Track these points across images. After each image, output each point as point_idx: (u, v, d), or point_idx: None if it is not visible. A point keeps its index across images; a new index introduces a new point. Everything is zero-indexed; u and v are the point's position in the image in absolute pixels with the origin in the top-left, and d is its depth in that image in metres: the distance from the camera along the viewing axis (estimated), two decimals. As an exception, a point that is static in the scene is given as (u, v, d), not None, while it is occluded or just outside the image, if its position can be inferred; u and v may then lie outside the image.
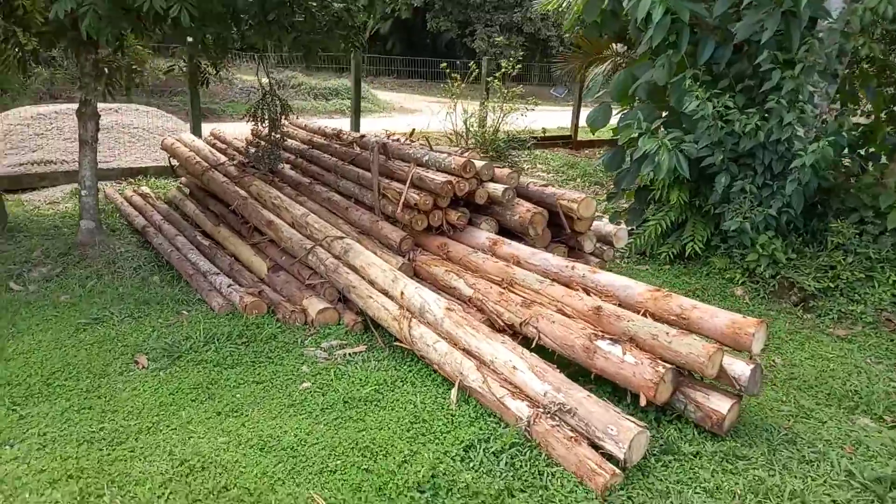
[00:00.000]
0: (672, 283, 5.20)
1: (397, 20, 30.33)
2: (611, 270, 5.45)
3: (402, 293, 3.90)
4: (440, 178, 4.42)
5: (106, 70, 6.46)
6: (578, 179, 9.52)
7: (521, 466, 2.74)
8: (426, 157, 4.82)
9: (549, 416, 2.93)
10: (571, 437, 2.81)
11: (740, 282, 4.99)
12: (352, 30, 5.97)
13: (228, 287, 4.49)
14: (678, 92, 4.96)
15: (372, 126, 10.50)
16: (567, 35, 10.09)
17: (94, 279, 4.86)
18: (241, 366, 3.53)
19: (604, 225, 5.54)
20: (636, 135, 5.19)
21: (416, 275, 4.43)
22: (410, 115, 17.22)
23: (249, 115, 6.08)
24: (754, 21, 4.60)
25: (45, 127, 8.41)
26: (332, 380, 3.40)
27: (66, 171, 8.01)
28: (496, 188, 4.61)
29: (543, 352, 3.38)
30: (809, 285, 4.67)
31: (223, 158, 6.41)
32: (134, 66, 6.74)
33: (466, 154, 5.70)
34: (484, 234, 4.50)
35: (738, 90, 5.07)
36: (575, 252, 5.04)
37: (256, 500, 2.44)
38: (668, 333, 3.15)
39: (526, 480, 2.67)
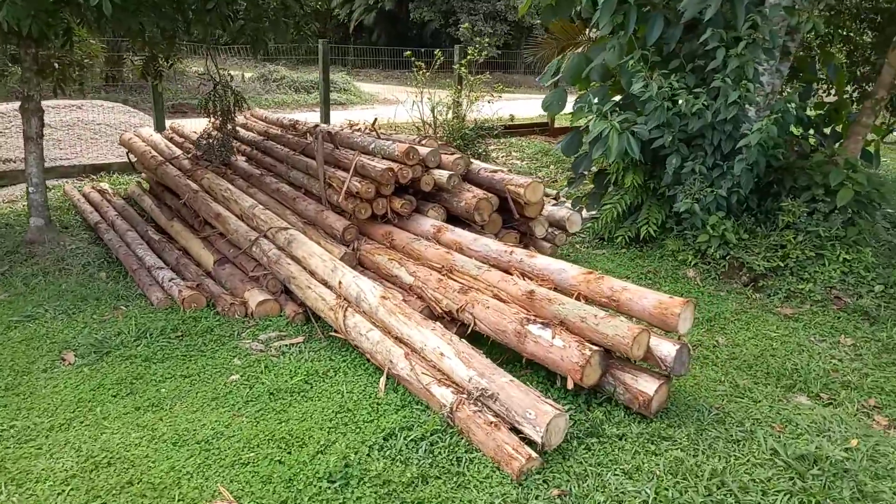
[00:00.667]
0: (627, 266, 5.16)
1: (382, 11, 30.20)
2: (566, 256, 5.42)
3: (339, 283, 3.85)
4: (381, 165, 4.36)
5: (56, 65, 6.37)
6: (552, 166, 9.47)
7: (439, 453, 2.70)
8: (372, 146, 4.76)
9: (472, 401, 2.89)
10: (492, 423, 2.77)
11: (693, 263, 4.96)
12: (302, 17, 5.89)
13: (170, 281, 4.42)
14: (626, 73, 4.91)
15: (348, 117, 10.39)
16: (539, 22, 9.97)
17: (39, 276, 4.78)
18: (171, 360, 3.47)
19: (557, 210, 5.49)
20: (589, 118, 5.14)
21: (361, 264, 4.38)
22: (392, 105, 17.12)
23: (201, 107, 6.00)
24: (700, -1, 4.55)
25: (3, 125, 8.29)
26: (261, 372, 3.35)
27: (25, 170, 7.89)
28: (441, 175, 4.56)
29: (480, 338, 3.34)
30: (759, 265, 4.64)
31: (179, 152, 6.33)
32: (85, 61, 6.65)
33: (424, 142, 5.66)
34: (429, 222, 4.45)
35: (689, 70, 5.03)
36: (527, 238, 5.01)
37: (160, 495, 2.39)
38: (595, 316, 3.11)
39: (443, 467, 2.63)
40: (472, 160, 5.23)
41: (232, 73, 19.56)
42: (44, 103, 9.29)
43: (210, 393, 3.15)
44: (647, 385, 3.02)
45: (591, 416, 3.01)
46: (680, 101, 4.68)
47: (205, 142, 5.89)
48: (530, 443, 2.69)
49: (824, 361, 3.70)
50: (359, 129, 5.69)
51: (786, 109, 4.63)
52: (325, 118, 10.08)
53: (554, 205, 6.68)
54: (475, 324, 3.51)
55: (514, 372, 3.14)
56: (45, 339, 3.63)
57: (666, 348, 3.04)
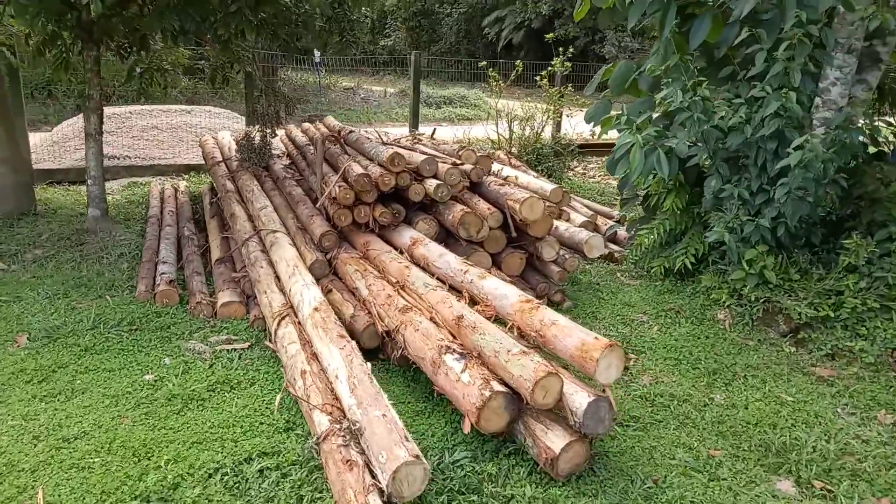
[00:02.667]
0: (650, 301, 4.50)
1: (530, 29, 30.15)
2: (593, 284, 4.85)
3: (290, 289, 3.67)
4: (357, 169, 4.13)
5: (139, 70, 6.85)
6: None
7: (284, 488, 2.40)
8: (372, 151, 4.55)
9: (342, 433, 2.56)
10: (348, 461, 2.41)
11: (726, 304, 4.19)
12: (347, 24, 5.84)
13: (161, 275, 4.49)
14: (644, 80, 4.30)
15: (451, 132, 10.27)
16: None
17: (74, 263, 5.07)
18: (107, 352, 3.47)
19: (578, 232, 4.96)
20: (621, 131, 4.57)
21: (336, 273, 4.17)
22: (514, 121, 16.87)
23: (250, 113, 6.15)
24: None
25: (115, 126, 9.11)
26: (176, 375, 3.23)
27: (127, 166, 8.60)
28: (431, 185, 4.25)
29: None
30: (802, 313, 3.81)
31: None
32: (166, 67, 7.09)
33: (462, 153, 5.37)
34: (409, 234, 4.14)
35: (742, 78, 4.31)
36: (536, 260, 4.54)
37: (-23, 487, 2.32)
38: (508, 352, 2.65)
39: (278, 505, 2.33)
40: (487, 172, 4.86)
41: (374, 88, 20.47)
42: (155, 107, 10.14)
43: (116, 390, 3.08)
44: (555, 441, 2.51)
45: (483, 468, 2.55)
46: (717, 114, 3.99)
47: (245, 145, 6.01)
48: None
49: (840, 440, 2.91)
50: (431, 141, 5.51)
51: (849, 125, 3.77)
52: (414, 127, 10.06)
53: (611, 228, 6.09)
54: (405, 347, 3.17)
55: (387, 403, 2.75)
56: (14, 321, 3.78)
57: (579, 399, 2.51)
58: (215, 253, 4.88)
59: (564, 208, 6.16)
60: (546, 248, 4.42)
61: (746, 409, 3.18)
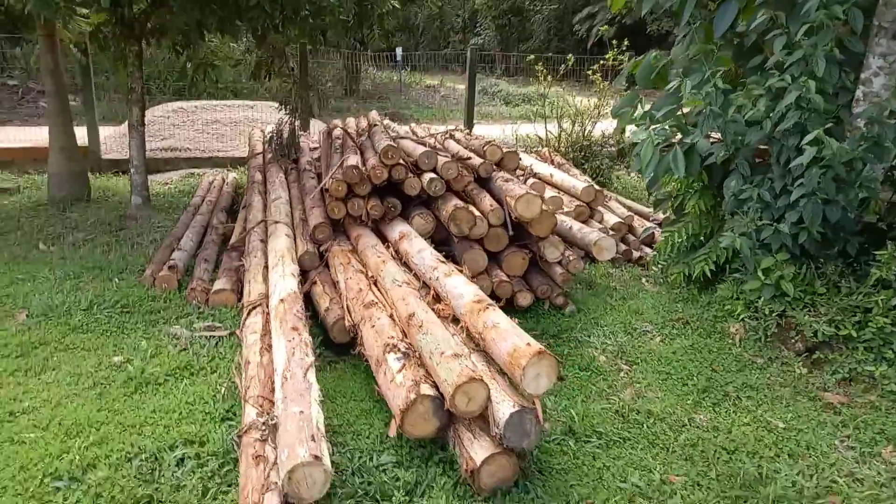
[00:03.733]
0: (661, 310, 4.18)
1: (622, 25, 29.31)
2: (612, 289, 4.57)
3: (270, 279, 3.66)
4: (351, 162, 4.06)
5: (188, 64, 7.12)
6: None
7: (193, 478, 2.36)
8: (378, 144, 4.48)
9: (263, 428, 2.49)
10: (258, 456, 2.35)
11: (740, 317, 3.82)
12: (378, 18, 5.80)
13: (171, 260, 4.61)
14: (645, 69, 3.99)
15: (504, 130, 10.13)
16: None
17: (106, 247, 5.30)
18: (92, 332, 3.58)
19: (589, 233, 4.68)
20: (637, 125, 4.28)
21: (327, 265, 4.13)
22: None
23: (281, 104, 6.25)
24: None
25: (181, 119, 9.54)
26: (144, 358, 3.28)
27: (188, 158, 8.98)
28: (426, 178, 4.12)
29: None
30: (820, 330, 3.40)
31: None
32: (213, 62, 7.32)
33: (486, 149, 5.22)
34: (399, 228, 4.04)
35: (769, 67, 3.91)
36: (539, 261, 4.32)
37: None
38: (442, 353, 2.50)
39: (183, 498, 2.28)
40: (512, 169, 4.71)
41: (458, 86, 20.45)
42: (220, 102, 10.53)
43: (82, 369, 3.15)
44: (479, 452, 2.33)
45: (402, 474, 2.41)
46: (732, 107, 3.64)
47: (274, 138, 6.10)
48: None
49: (826, 476, 2.55)
50: (450, 137, 5.41)
51: (883, 118, 3.32)
52: (469, 125, 9.94)
53: (647, 230, 5.74)
54: (361, 343, 3.07)
55: (311, 400, 2.65)
56: (22, 298, 3.98)
57: (503, 409, 2.32)
58: (232, 241, 4.96)
59: (600, 208, 5.88)
60: (549, 249, 4.19)
61: (729, 433, 2.86)
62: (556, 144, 8.15)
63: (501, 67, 24.00)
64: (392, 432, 2.49)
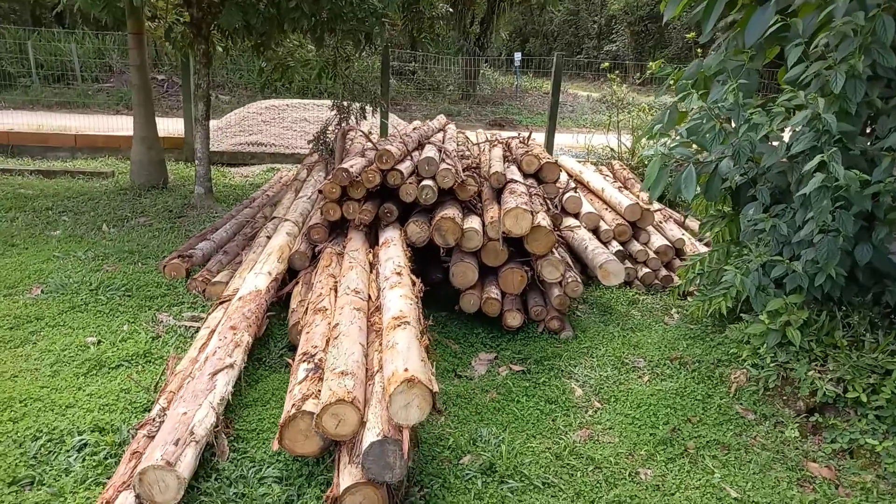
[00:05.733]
0: (664, 346, 3.77)
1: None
2: (629, 317, 4.22)
3: (246, 277, 3.70)
4: (349, 163, 4.02)
5: (263, 65, 7.45)
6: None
7: (79, 466, 2.41)
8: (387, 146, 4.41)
9: (155, 425, 2.50)
10: (135, 452, 2.35)
11: (746, 362, 3.35)
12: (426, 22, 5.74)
13: (193, 250, 4.81)
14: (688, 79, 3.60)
15: (576, 139, 9.79)
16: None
17: (158, 232, 5.63)
18: (87, 312, 3.79)
19: (600, 254, 4.32)
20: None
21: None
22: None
23: (334, 108, 6.37)
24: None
25: (271, 116, 10.01)
26: (114, 342, 3.42)
27: (272, 153, 9.41)
28: (424, 185, 4.00)
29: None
30: (825, 390, 2.91)
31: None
32: (289, 63, 7.60)
33: (524, 157, 5.04)
34: (387, 234, 3.95)
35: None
36: (537, 279, 4.06)
37: None
38: (333, 369, 2.39)
39: (65, 481, 2.34)
40: (553, 180, 4.52)
41: (580, 93, 20.01)
42: (310, 101, 10.94)
43: (56, 346, 3.34)
44: (345, 479, 2.19)
45: (276, 490, 2.32)
46: (753, 124, 3.21)
47: (321, 139, 6.21)
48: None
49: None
50: (521, 144, 5.31)
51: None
52: (550, 134, 9.65)
53: (696, 256, 5.25)
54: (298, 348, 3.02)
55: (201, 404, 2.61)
56: (46, 275, 4.30)
57: (368, 438, 2.16)
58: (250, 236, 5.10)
59: (649, 228, 5.45)
60: (547, 268, 3.92)
61: (671, 495, 2.51)
62: (629, 158, 7.68)
63: (635, 76, 23.07)
64: (275, 446, 2.41)
